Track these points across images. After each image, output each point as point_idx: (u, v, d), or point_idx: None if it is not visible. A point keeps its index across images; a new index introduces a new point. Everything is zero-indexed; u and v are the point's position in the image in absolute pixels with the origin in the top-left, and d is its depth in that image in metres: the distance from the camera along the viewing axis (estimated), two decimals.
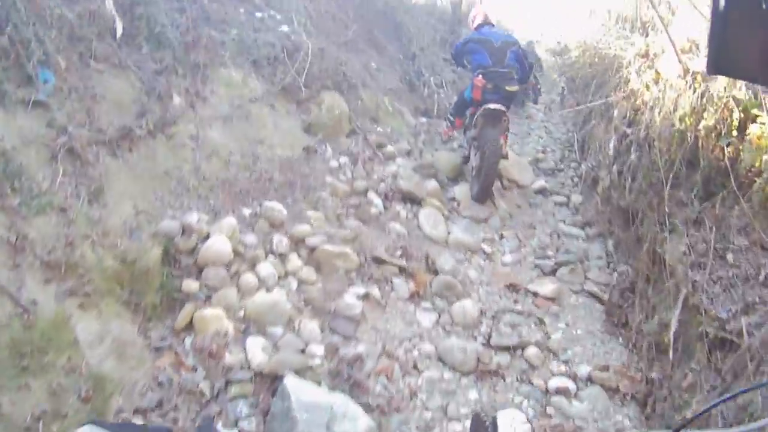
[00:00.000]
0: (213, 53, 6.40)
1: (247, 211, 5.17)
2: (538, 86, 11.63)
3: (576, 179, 8.26)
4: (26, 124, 4.20)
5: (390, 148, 7.71)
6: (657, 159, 4.69)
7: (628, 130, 5.69)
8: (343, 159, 6.73)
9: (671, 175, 4.46)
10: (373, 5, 10.42)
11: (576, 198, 7.56)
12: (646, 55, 5.93)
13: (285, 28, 7.58)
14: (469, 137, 7.21)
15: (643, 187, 4.97)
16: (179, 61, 5.88)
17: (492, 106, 6.43)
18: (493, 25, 7.49)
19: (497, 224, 6.69)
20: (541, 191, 7.82)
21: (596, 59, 7.85)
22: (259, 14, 7.62)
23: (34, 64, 4.37)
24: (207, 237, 4.52)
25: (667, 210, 4.32)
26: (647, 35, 6.31)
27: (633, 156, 5.25)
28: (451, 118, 7.86)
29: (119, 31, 5.48)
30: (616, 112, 6.26)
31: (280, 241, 4.89)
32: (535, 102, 11.52)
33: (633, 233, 5.22)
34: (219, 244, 4.39)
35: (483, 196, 6.77)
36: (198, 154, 5.45)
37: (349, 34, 9.26)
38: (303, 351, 4.00)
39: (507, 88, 6.59)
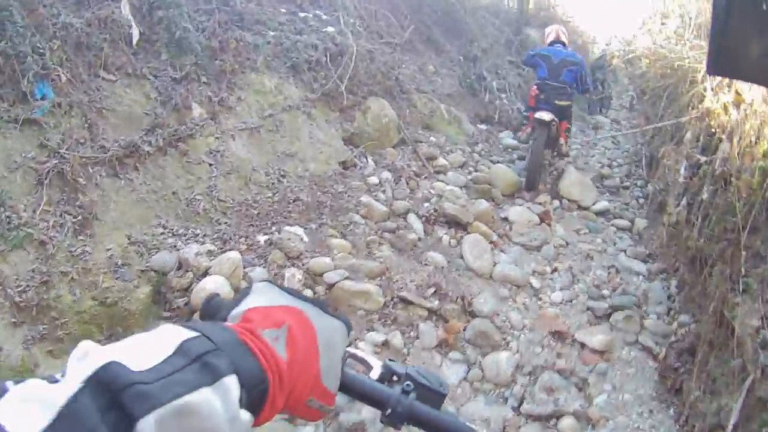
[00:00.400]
0: (243, 58, 5.96)
1: (262, 239, 4.70)
2: (609, 95, 11.07)
3: (642, 200, 7.50)
4: (16, 146, 3.86)
5: (441, 161, 7.12)
6: (734, 200, 3.90)
7: (702, 158, 4.87)
8: (385, 174, 6.17)
9: (749, 222, 3.68)
10: (432, 4, 9.78)
11: (640, 223, 6.79)
12: None
13: (331, 29, 7.07)
14: (527, 139, 7.76)
15: (716, 232, 4.19)
16: (202, 68, 5.48)
17: (540, 115, 6.98)
18: (563, 44, 7.90)
19: (551, 253, 5.99)
20: (603, 213, 7.12)
21: (668, 70, 6.97)
22: (302, 14, 7.15)
23: (29, 79, 4.02)
24: (206, 273, 4.07)
25: (743, 269, 3.54)
26: None
27: (706, 193, 4.44)
28: (527, 115, 7.89)
29: (135, 37, 5.12)
30: (688, 135, 5.44)
31: (293, 276, 4.39)
32: (607, 109, 11.10)
33: (700, 281, 4.44)
34: (214, 285, 3.91)
35: (530, 184, 7.28)
36: (215, 172, 5.04)
37: (405, 34, 8.68)
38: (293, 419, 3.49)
39: (556, 101, 7.22)
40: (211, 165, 5.07)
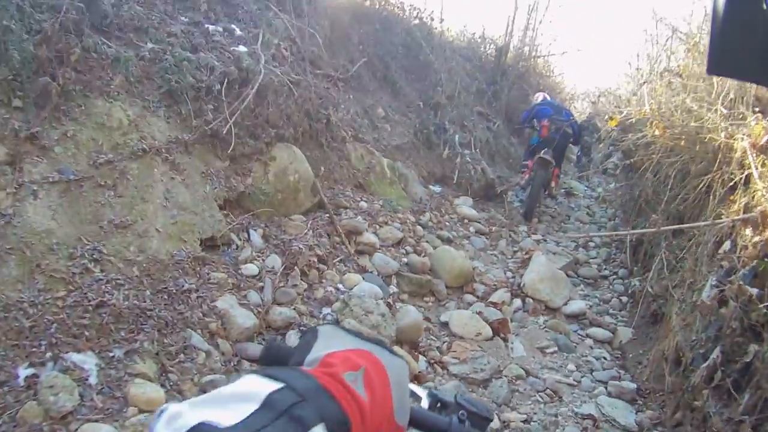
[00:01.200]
0: (93, 76, 4.16)
1: (23, 373, 2.84)
2: (591, 160, 10.90)
3: (624, 298, 5.98)
4: None
5: (368, 237, 5.33)
6: None
7: (752, 291, 3.13)
8: (273, 259, 4.35)
9: None
10: (393, 34, 8.05)
11: (624, 333, 5.24)
12: (764, 149, 3.54)
13: (242, 48, 5.30)
14: (528, 178, 8.19)
15: None
16: (19, 84, 3.69)
17: (543, 155, 7.70)
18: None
19: (503, 392, 4.21)
20: (578, 317, 5.57)
21: (682, 142, 5.33)
22: (210, 27, 5.37)
23: None
24: None
25: None
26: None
27: None
28: (526, 163, 8.45)
29: None
30: (727, 245, 3.77)
31: None
32: (587, 162, 11.06)
33: None
34: None
35: (527, 215, 7.90)
36: None
37: (352, 68, 6.92)
38: None
39: (565, 129, 8.14)
40: None
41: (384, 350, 0.80)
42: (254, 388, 0.59)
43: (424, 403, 0.98)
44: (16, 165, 3.54)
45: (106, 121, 4.05)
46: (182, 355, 3.25)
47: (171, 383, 3.09)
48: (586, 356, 4.91)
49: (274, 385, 0.60)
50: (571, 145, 8.86)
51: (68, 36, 4.09)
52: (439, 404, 0.98)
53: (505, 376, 4.41)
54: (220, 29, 5.45)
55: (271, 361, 0.85)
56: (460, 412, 0.94)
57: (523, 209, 8.01)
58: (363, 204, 5.81)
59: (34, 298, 3.14)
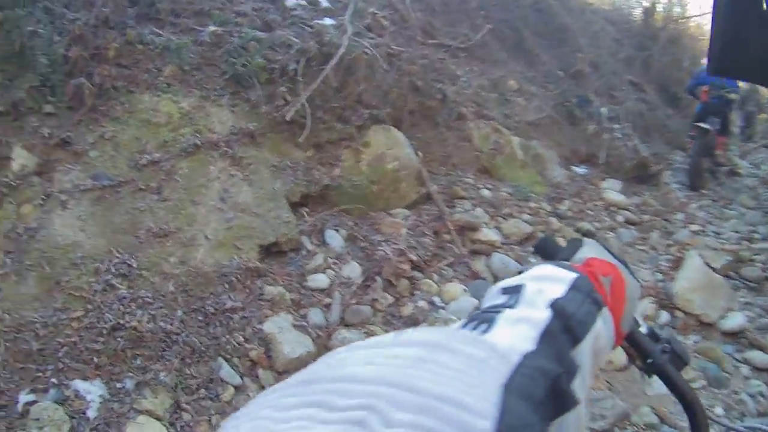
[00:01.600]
0: (140, 70, 3.76)
1: (23, 399, 2.46)
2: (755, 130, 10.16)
3: None
4: None
5: (486, 233, 4.45)
6: None
7: None
8: (351, 268, 3.62)
9: None
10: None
11: None
12: None
13: (328, 21, 4.68)
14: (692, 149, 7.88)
15: None
16: (50, 90, 3.42)
17: (701, 125, 7.30)
18: None
19: None
20: (735, 335, 4.23)
21: None
22: (290, 1, 4.81)
23: None
24: None
25: None
26: None
27: None
28: (692, 133, 8.00)
29: None
30: None
31: None
32: (749, 137, 10.20)
33: None
34: None
35: (693, 185, 7.45)
36: (8, 267, 2.86)
37: (474, 36, 6.04)
38: None
39: (726, 94, 7.60)
40: (7, 254, 2.88)
41: (627, 270, 0.82)
42: (559, 274, 0.66)
43: (642, 329, 0.98)
44: (45, 174, 3.20)
45: (152, 117, 3.62)
46: (203, 390, 2.64)
47: (183, 423, 2.50)
48: (739, 393, 3.64)
49: (573, 274, 0.67)
50: (732, 114, 8.31)
51: (107, 31, 3.72)
52: (652, 337, 0.98)
53: (633, 425, 3.31)
54: (303, 2, 4.89)
55: (544, 253, 0.95)
56: (665, 345, 0.97)
57: (687, 181, 7.65)
58: (485, 192, 4.94)
59: (47, 318, 2.75)
